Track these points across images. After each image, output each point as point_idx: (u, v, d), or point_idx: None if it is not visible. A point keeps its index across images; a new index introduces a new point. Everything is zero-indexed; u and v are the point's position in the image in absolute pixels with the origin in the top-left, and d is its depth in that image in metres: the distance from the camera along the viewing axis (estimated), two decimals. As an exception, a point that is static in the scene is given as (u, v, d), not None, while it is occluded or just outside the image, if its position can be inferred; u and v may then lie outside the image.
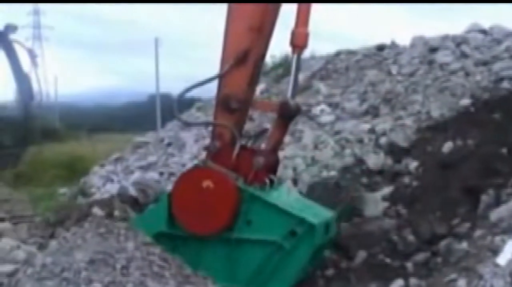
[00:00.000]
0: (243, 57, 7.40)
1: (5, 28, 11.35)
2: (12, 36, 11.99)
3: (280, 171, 12.24)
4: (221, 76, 7.54)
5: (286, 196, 7.86)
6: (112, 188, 15.79)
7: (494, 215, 7.75)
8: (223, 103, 7.57)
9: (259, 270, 7.36)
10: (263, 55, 7.84)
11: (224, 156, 7.46)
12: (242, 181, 7.32)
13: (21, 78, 11.65)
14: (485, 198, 8.51)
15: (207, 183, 7.23)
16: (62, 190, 17.84)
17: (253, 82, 7.74)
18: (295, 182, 11.70)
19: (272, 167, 7.58)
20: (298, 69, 7.80)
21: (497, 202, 8.21)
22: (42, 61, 55.80)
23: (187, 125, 15.83)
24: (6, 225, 10.54)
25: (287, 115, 7.41)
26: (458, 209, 8.77)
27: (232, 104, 7.49)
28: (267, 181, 7.40)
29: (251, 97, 7.84)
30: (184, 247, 7.57)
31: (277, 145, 7.54)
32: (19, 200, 11.16)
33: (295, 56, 7.71)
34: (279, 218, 7.18)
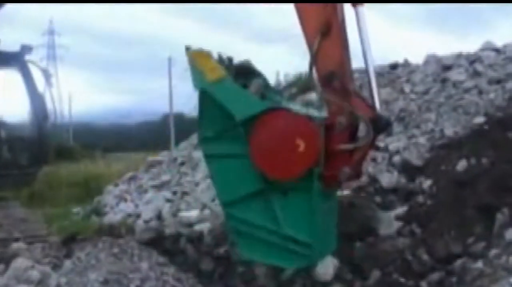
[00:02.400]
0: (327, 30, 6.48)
1: (21, 49, 11.45)
2: (27, 57, 12.10)
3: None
4: (314, 56, 6.53)
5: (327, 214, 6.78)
6: (126, 208, 15.83)
7: (510, 234, 7.71)
8: (328, 81, 6.46)
9: None
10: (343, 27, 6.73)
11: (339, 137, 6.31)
12: (320, 170, 6.27)
13: (36, 98, 11.73)
14: (500, 217, 8.46)
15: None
16: (76, 209, 17.91)
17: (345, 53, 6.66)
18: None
19: (349, 179, 6.67)
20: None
21: (512, 221, 8.16)
22: (57, 80, 56.16)
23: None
24: (20, 244, 10.59)
25: (377, 129, 6.51)
26: (473, 228, 8.72)
27: (335, 80, 6.41)
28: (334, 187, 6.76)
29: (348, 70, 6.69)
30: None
31: (364, 159, 6.68)
32: (34, 220, 11.19)
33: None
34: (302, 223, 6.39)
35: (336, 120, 6.25)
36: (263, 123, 6.37)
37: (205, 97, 6.75)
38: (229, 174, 6.71)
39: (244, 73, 7.10)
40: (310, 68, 6.53)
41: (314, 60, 6.48)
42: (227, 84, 6.70)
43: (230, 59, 7.12)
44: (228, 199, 6.71)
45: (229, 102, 6.60)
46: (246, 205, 6.58)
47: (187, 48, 6.99)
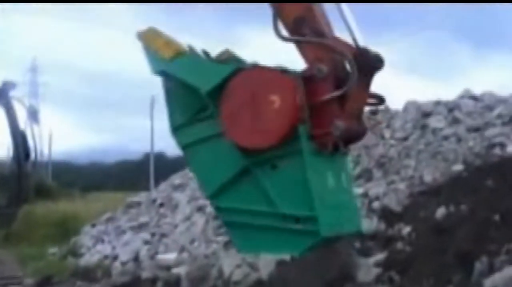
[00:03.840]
0: None
1: (3, 85, 11.39)
2: (12, 93, 12.02)
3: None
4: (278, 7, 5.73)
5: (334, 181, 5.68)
6: (103, 249, 15.65)
7: (488, 282, 7.68)
8: (297, 26, 5.65)
9: None
10: None
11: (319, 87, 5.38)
12: (307, 129, 5.37)
13: (18, 136, 11.64)
14: (478, 265, 8.44)
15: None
16: (52, 250, 17.66)
17: None
18: (287, 245, 11.59)
19: (349, 137, 5.59)
20: None
21: (491, 269, 8.14)
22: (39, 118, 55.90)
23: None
24: (-6, 286, 10.39)
25: (365, 66, 5.44)
26: (452, 275, 8.68)
27: (305, 25, 5.61)
28: (331, 147, 5.45)
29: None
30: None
31: (361, 109, 5.69)
32: (9, 261, 11.02)
33: None
34: (297, 194, 5.42)
35: (315, 68, 5.36)
36: (232, 88, 5.55)
37: (168, 81, 6.14)
38: (207, 160, 5.93)
39: (225, 62, 6.16)
40: (274, 22, 5.65)
41: (279, 10, 5.67)
42: (186, 57, 6.01)
43: (206, 53, 6.27)
44: (212, 190, 5.88)
45: (192, 76, 5.91)
46: (233, 191, 5.76)
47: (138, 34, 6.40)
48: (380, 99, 5.93)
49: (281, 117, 5.31)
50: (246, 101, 5.43)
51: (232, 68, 5.66)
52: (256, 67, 5.67)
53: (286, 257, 11.05)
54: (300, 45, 5.65)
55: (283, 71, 5.44)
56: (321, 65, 5.34)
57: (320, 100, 5.34)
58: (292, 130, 5.30)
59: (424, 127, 15.51)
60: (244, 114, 5.45)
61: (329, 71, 5.33)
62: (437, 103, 16.74)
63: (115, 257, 14.44)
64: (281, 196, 5.45)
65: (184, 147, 6.15)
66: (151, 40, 6.30)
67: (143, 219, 16.92)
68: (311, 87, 5.36)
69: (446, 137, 14.44)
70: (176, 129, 6.16)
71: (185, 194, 17.20)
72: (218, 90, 5.63)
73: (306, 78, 5.37)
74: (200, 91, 5.78)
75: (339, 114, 5.32)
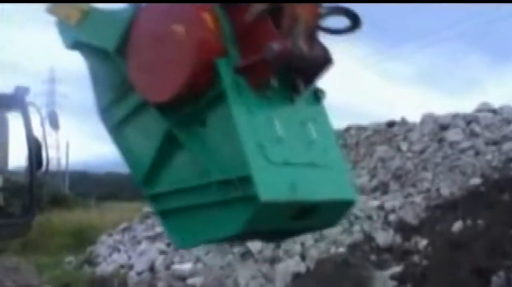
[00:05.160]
0: None
1: (15, 90, 11.28)
2: (28, 99, 12.06)
3: (288, 245, 12.24)
4: None
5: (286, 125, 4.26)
6: (119, 258, 15.71)
7: (505, 298, 7.64)
8: None
9: None
10: None
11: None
12: (232, 62, 4.16)
13: (32, 143, 11.67)
14: (495, 280, 8.39)
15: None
16: (69, 259, 17.75)
17: None
18: (303, 257, 11.59)
19: (296, 63, 4.20)
20: None
21: (508, 284, 8.09)
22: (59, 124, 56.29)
23: None
24: (11, 294, 10.45)
25: None
26: (468, 290, 8.65)
27: None
28: (272, 81, 4.14)
29: None
30: None
31: (312, 28, 4.22)
32: (26, 269, 11.07)
33: None
34: (228, 148, 4.11)
35: None
36: (135, 33, 4.44)
37: (86, 54, 5.08)
38: (134, 140, 4.74)
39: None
40: None
41: None
42: (93, 17, 4.91)
43: None
44: (142, 175, 4.64)
45: (99, 36, 4.81)
46: (164, 171, 4.52)
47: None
48: (354, 20, 4.32)
49: (186, 52, 4.07)
50: (150, 43, 4.31)
51: (132, 9, 4.54)
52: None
53: (301, 269, 11.05)
54: None
55: None
56: None
57: (244, 19, 4.15)
58: (208, 68, 4.06)
59: (441, 140, 15.44)
60: (150, 59, 4.32)
61: None
62: (455, 116, 16.67)
63: (131, 267, 14.50)
64: (213, 159, 4.16)
65: (110, 130, 4.90)
66: (59, 9, 5.26)
67: (159, 229, 16.94)
68: (237, 7, 4.23)
69: (463, 151, 14.37)
70: (103, 112, 4.91)
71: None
72: (124, 40, 4.52)
73: None
74: (109, 52, 4.69)
75: (272, 33, 4.07)
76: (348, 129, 19.58)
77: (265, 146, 4.02)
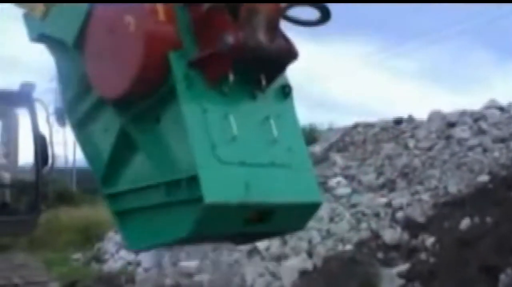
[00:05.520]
0: None
1: (22, 86, 11.21)
2: (35, 96, 11.97)
3: (295, 242, 12.24)
4: None
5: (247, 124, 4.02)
6: (126, 255, 15.73)
7: (513, 296, 7.62)
8: None
9: None
10: None
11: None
12: (186, 55, 3.92)
13: (38, 140, 11.65)
14: (503, 278, 8.38)
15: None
16: (76, 255, 17.80)
17: None
18: (310, 254, 11.59)
19: (252, 55, 3.88)
20: None
21: (516, 282, 8.07)
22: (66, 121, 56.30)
23: None
24: (19, 291, 10.48)
25: None
26: (476, 288, 8.63)
27: None
28: (230, 76, 3.85)
29: None
30: None
31: (272, 19, 3.92)
32: (34, 265, 11.09)
33: None
34: (177, 149, 3.92)
35: None
36: (91, 25, 4.19)
37: (49, 49, 4.86)
38: (94, 137, 4.53)
39: None
40: None
41: None
42: (56, 9, 4.61)
43: None
44: (101, 174, 4.45)
45: (60, 29, 4.57)
46: (122, 172, 4.34)
47: None
48: (323, 12, 4.01)
49: (136, 45, 3.82)
50: (104, 35, 4.06)
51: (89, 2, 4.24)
52: None
53: (308, 267, 11.05)
54: None
55: None
56: None
57: (200, 10, 3.92)
58: (160, 62, 3.82)
59: (449, 137, 15.40)
60: (104, 52, 4.08)
61: None
62: (462, 113, 16.62)
63: (138, 263, 14.53)
64: (165, 159, 3.98)
65: (73, 126, 4.70)
66: (24, 4, 5.01)
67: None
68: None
69: (471, 148, 14.32)
70: (67, 107, 4.72)
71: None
72: (82, 32, 4.29)
73: None
74: (68, 45, 4.47)
75: (227, 24, 3.81)
76: (355, 126, 19.56)
77: (217, 145, 3.78)
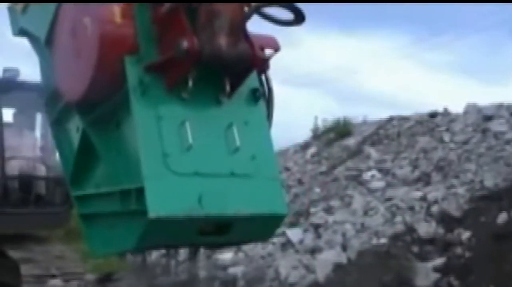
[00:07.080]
0: None
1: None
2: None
3: (329, 235, 12.23)
4: None
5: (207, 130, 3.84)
6: (161, 247, 15.90)
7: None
8: None
9: None
10: None
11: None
12: (142, 60, 3.77)
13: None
14: (540, 273, 8.28)
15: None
16: (112, 247, 18.01)
17: None
18: (344, 247, 11.58)
19: (217, 63, 3.70)
20: None
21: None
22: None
23: None
24: (57, 282, 10.67)
25: None
26: (512, 283, 8.55)
27: None
28: (190, 81, 3.68)
29: None
30: None
31: (233, 23, 3.70)
32: (71, 257, 11.29)
33: None
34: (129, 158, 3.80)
35: None
36: (58, 23, 4.11)
37: (31, 44, 4.78)
38: (65, 137, 4.48)
39: None
40: None
41: None
42: (35, 4, 4.53)
43: None
44: (70, 175, 4.42)
45: (36, 25, 4.49)
46: (86, 175, 4.27)
47: None
48: (295, 13, 3.74)
49: (91, 48, 3.69)
50: (67, 37, 3.98)
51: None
52: None
53: (342, 260, 11.04)
54: None
55: None
56: None
57: (158, 14, 3.77)
58: (115, 66, 3.68)
59: (485, 131, 15.21)
60: (66, 54, 4.00)
61: None
62: (499, 106, 16.41)
63: (173, 255, 14.65)
64: (120, 166, 3.86)
65: (51, 124, 4.72)
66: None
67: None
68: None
69: (508, 142, 14.13)
70: (46, 105, 4.65)
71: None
72: (51, 32, 4.24)
73: None
74: (41, 42, 4.41)
75: (182, 30, 3.63)
76: (390, 119, 19.43)
77: (170, 154, 3.59)
